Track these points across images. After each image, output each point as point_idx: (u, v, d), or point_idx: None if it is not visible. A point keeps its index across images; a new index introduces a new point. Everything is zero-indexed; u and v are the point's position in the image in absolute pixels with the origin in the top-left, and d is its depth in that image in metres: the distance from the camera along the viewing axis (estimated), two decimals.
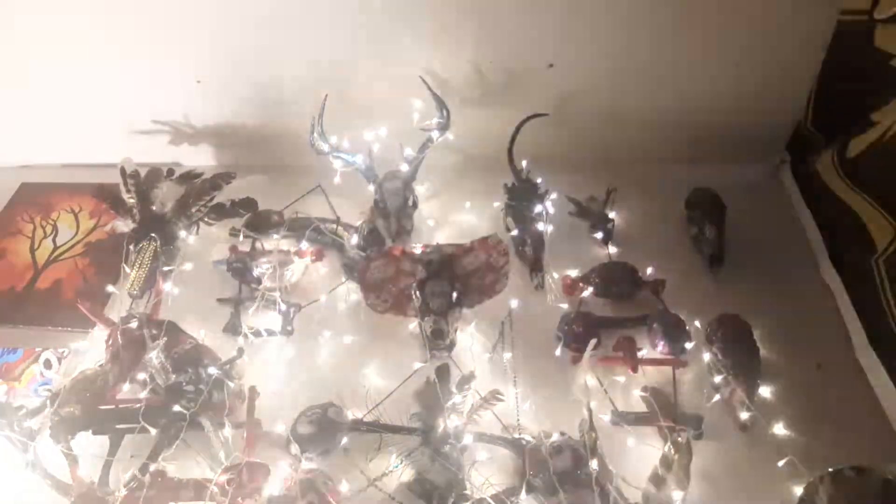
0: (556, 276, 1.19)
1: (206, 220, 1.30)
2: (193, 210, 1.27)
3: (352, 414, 1.00)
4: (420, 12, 1.19)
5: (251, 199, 1.32)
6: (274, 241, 1.23)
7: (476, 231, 1.26)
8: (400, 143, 1.25)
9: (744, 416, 0.97)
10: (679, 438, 0.86)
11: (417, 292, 1.07)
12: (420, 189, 1.31)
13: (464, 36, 1.22)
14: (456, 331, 1.07)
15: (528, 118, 1.26)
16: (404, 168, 1.25)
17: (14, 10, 1.23)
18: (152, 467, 0.92)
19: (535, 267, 1.19)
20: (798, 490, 0.86)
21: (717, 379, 1.01)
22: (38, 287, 1.28)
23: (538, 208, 1.22)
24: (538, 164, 1.29)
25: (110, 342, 1.04)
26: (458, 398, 0.95)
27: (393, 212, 1.24)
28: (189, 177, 1.34)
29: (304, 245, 1.22)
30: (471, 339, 1.11)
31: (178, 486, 0.91)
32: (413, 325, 1.12)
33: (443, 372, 1.03)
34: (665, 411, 0.97)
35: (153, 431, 0.95)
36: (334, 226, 1.27)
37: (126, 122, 1.42)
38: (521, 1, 1.17)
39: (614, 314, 1.13)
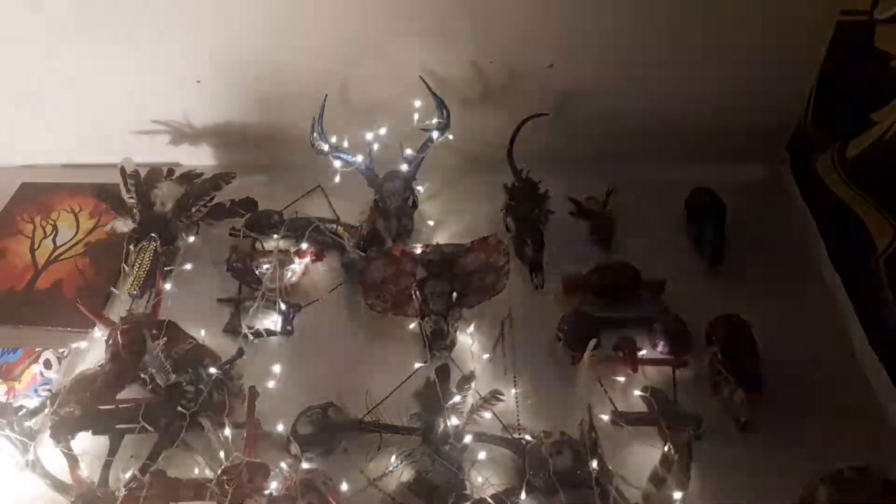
0: (556, 275, 1.19)
1: (206, 220, 1.30)
2: (193, 210, 1.27)
3: (352, 414, 1.00)
4: (420, 12, 1.19)
5: (251, 199, 1.32)
6: (274, 241, 1.23)
7: (476, 231, 1.26)
8: (400, 143, 1.25)
9: (744, 416, 0.97)
10: (679, 438, 0.86)
11: (417, 292, 1.07)
12: (420, 189, 1.32)
13: (464, 36, 1.22)
14: (456, 331, 1.07)
15: (528, 118, 1.26)
16: (404, 168, 1.25)
17: (14, 10, 1.23)
18: (152, 467, 0.92)
19: (535, 267, 1.19)
20: (798, 490, 0.85)
21: (717, 379, 1.01)
22: (38, 287, 1.28)
23: (538, 208, 1.22)
24: (538, 164, 1.29)
25: (110, 342, 1.04)
26: (458, 398, 0.95)
27: (393, 212, 1.24)
28: (189, 177, 1.34)
29: (304, 245, 1.22)
30: (471, 339, 1.11)
31: (178, 486, 0.91)
32: (413, 325, 1.12)
33: (443, 372, 1.03)
34: (665, 411, 0.97)
35: (153, 431, 0.95)
36: (334, 226, 1.27)
37: (126, 122, 1.42)
38: (521, 1, 1.17)
39: (614, 314, 1.13)
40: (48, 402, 0.99)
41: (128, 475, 0.91)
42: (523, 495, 0.89)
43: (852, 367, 1.06)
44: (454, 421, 0.93)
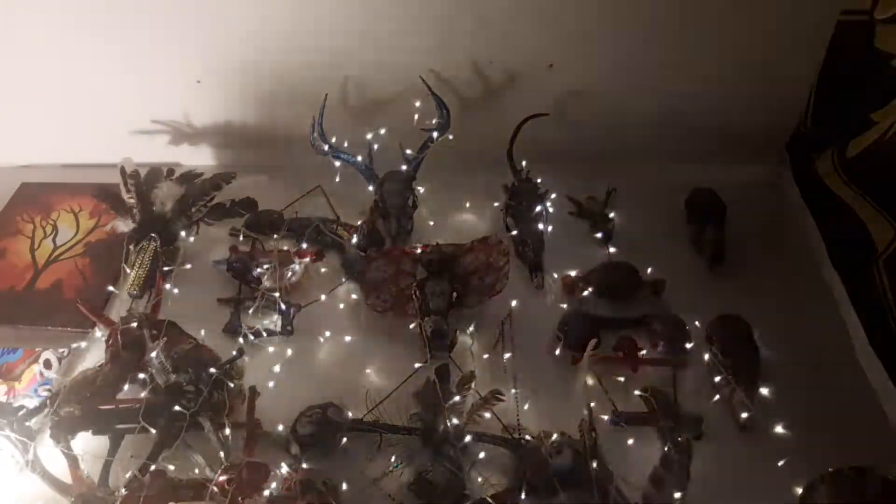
0: (556, 276, 1.19)
1: (206, 220, 1.30)
2: (193, 210, 1.27)
3: (352, 414, 1.00)
4: (420, 12, 1.19)
5: (251, 199, 1.32)
6: (274, 241, 1.23)
7: (476, 231, 1.26)
8: (400, 143, 1.25)
9: (744, 416, 0.97)
10: (679, 438, 0.86)
11: (417, 292, 1.07)
12: (420, 189, 1.32)
13: (464, 36, 1.22)
14: (456, 331, 1.07)
15: (528, 118, 1.26)
16: (404, 168, 1.25)
17: (14, 9, 1.23)
18: (152, 467, 0.92)
19: (535, 267, 1.19)
20: (798, 490, 0.85)
21: (717, 379, 1.01)
22: (38, 287, 1.28)
23: (538, 208, 1.22)
24: (538, 164, 1.29)
25: (110, 342, 1.04)
26: (458, 398, 0.95)
27: (393, 212, 1.24)
28: (189, 177, 1.34)
29: (304, 245, 1.22)
30: (471, 339, 1.11)
31: (178, 486, 0.91)
32: (413, 325, 1.12)
33: (443, 372, 1.03)
34: (665, 411, 0.96)
35: (153, 431, 0.95)
36: (334, 226, 1.27)
37: (126, 122, 1.42)
38: (521, 1, 1.17)
39: (614, 314, 1.13)
40: (48, 402, 0.99)
41: (128, 475, 0.91)
42: (523, 495, 0.89)
43: (852, 367, 1.06)
44: (454, 421, 0.93)
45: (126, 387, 1.03)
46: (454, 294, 1.06)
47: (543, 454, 0.90)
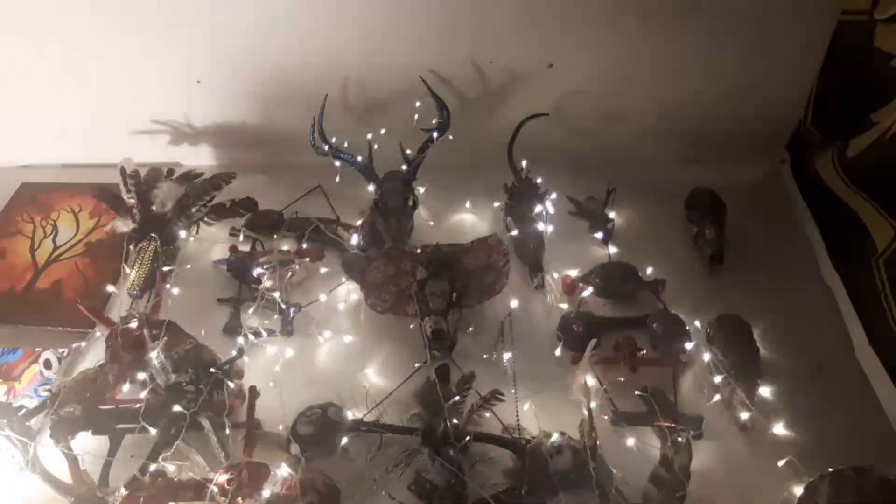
0: (556, 276, 1.19)
1: (206, 220, 1.30)
2: (193, 210, 1.27)
3: (352, 414, 1.00)
4: (420, 12, 1.19)
5: (251, 199, 1.32)
6: (274, 241, 1.23)
7: (476, 231, 1.26)
8: (400, 143, 1.25)
9: (744, 416, 0.97)
10: (679, 438, 0.86)
11: (417, 292, 1.07)
12: (420, 189, 1.32)
13: (464, 36, 1.23)
14: (456, 331, 1.07)
15: (528, 118, 1.26)
16: (404, 168, 1.25)
17: (14, 9, 1.23)
18: (152, 467, 0.92)
19: (535, 267, 1.19)
20: (798, 490, 0.85)
21: (717, 379, 1.01)
22: (38, 287, 1.28)
23: (538, 208, 1.22)
24: (538, 164, 1.29)
25: (110, 342, 1.04)
26: (458, 398, 0.95)
27: (393, 212, 1.24)
28: (189, 177, 1.34)
29: (304, 245, 1.22)
30: (471, 339, 1.11)
31: (178, 486, 0.91)
32: (413, 325, 1.12)
33: (443, 372, 1.03)
34: (665, 411, 0.97)
35: (153, 431, 0.95)
36: (334, 226, 1.27)
37: (126, 122, 1.42)
38: (521, 1, 1.17)
39: (614, 314, 1.13)
40: (48, 402, 0.99)
41: (128, 475, 0.91)
42: (523, 495, 0.89)
43: (852, 367, 1.06)
44: (454, 421, 0.93)
45: (126, 387, 1.03)
46: (454, 294, 1.06)
47: (543, 454, 0.90)
